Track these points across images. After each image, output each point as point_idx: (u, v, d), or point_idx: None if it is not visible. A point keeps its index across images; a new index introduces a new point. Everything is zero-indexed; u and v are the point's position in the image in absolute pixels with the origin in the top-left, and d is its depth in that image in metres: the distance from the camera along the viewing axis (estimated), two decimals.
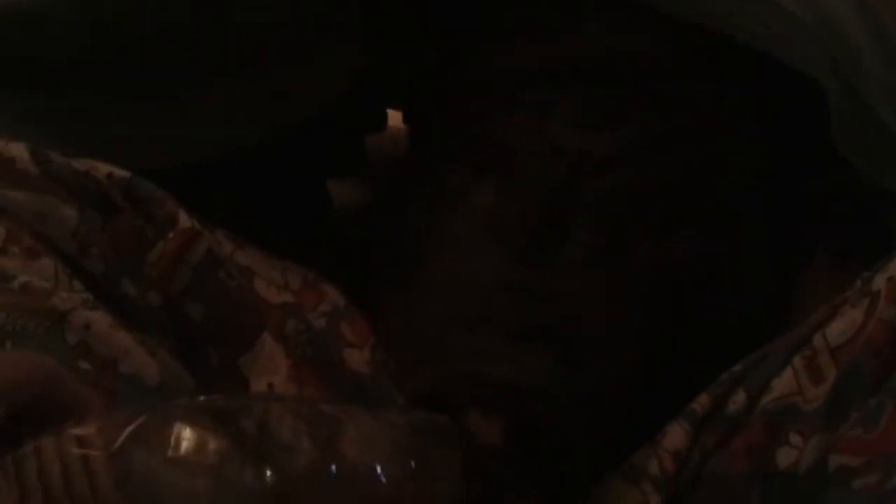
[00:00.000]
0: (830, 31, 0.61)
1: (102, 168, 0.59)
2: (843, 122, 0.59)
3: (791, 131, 0.63)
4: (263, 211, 0.70)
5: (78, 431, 0.38)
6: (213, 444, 0.39)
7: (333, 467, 0.40)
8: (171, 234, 0.59)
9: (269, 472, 0.39)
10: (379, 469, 0.41)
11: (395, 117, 0.79)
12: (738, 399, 0.54)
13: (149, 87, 0.65)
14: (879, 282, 0.52)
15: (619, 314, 0.58)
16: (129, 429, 0.38)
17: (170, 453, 0.38)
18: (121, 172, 0.59)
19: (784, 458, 0.52)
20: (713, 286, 0.61)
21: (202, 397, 0.41)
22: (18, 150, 0.56)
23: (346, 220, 0.77)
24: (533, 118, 0.61)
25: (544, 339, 0.56)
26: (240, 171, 0.69)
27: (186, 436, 0.38)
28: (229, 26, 0.65)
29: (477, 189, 0.61)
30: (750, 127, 0.63)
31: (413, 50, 0.70)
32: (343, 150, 0.77)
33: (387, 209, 0.69)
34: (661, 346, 0.59)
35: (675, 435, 0.55)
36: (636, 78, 0.61)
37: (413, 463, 0.42)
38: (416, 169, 0.67)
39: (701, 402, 0.56)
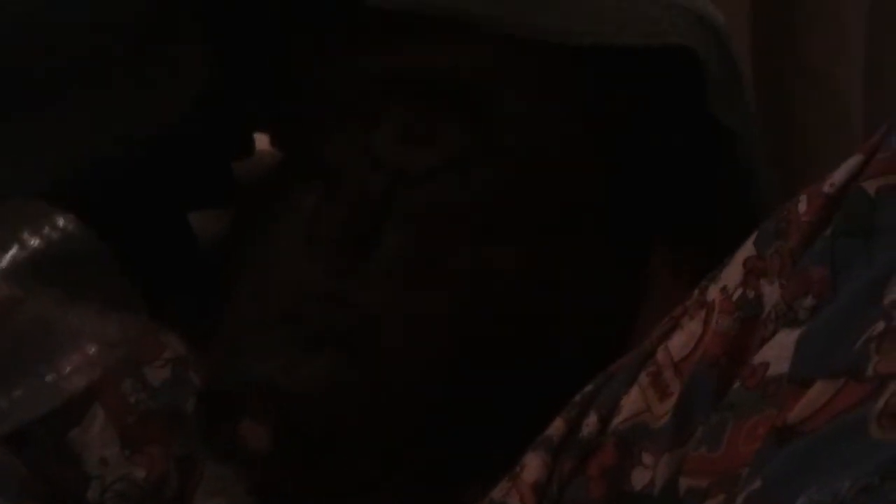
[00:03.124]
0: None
1: None
2: (719, 88, 0.60)
3: (645, 129, 0.63)
4: (116, 248, 0.68)
5: None
6: None
7: None
8: None
9: None
10: None
11: (263, 141, 0.77)
12: (591, 421, 0.53)
13: None
14: (713, 292, 0.52)
15: (424, 325, 0.59)
16: None
17: None
18: None
19: (639, 479, 0.51)
20: (543, 297, 0.61)
21: None
22: None
23: (211, 252, 0.76)
24: (361, 129, 0.62)
25: (338, 346, 0.57)
26: (86, 205, 0.66)
27: None
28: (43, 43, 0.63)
29: (303, 197, 0.62)
30: (587, 140, 0.63)
31: (266, 69, 0.68)
32: (205, 179, 0.76)
33: (236, 227, 0.69)
34: (481, 357, 0.59)
35: (533, 466, 0.54)
36: (464, 94, 0.61)
37: None
38: (267, 186, 0.67)
39: (556, 428, 0.55)
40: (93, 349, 0.54)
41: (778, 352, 0.46)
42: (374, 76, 0.62)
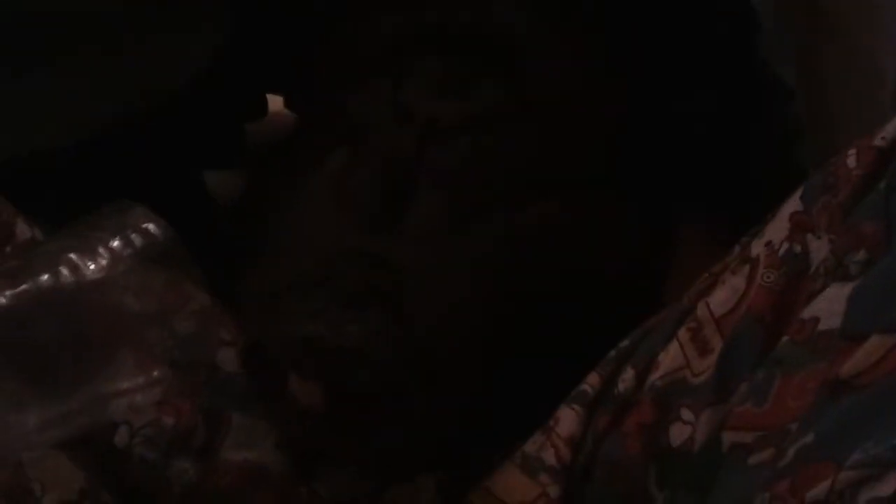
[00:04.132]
0: None
1: None
2: (774, 40, 0.61)
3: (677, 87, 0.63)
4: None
5: None
6: None
7: None
8: (8, 248, 0.56)
9: None
10: None
11: (277, 102, 0.77)
12: (627, 377, 0.53)
13: None
14: (757, 247, 0.51)
15: (461, 280, 0.58)
16: None
17: None
18: None
19: (677, 435, 0.50)
20: (575, 253, 0.61)
21: None
22: None
23: (225, 210, 0.75)
24: (387, 86, 0.61)
25: (379, 303, 0.57)
26: (100, 163, 0.65)
27: None
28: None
29: (330, 156, 0.61)
30: (616, 98, 0.62)
31: (284, 29, 0.68)
32: (219, 139, 0.75)
33: (255, 187, 0.69)
34: (516, 312, 0.59)
35: (568, 419, 0.53)
36: (492, 48, 0.61)
37: None
38: (286, 146, 0.67)
39: (591, 382, 0.54)
40: (156, 371, 0.53)
41: (829, 306, 0.46)
42: (401, 33, 0.62)
